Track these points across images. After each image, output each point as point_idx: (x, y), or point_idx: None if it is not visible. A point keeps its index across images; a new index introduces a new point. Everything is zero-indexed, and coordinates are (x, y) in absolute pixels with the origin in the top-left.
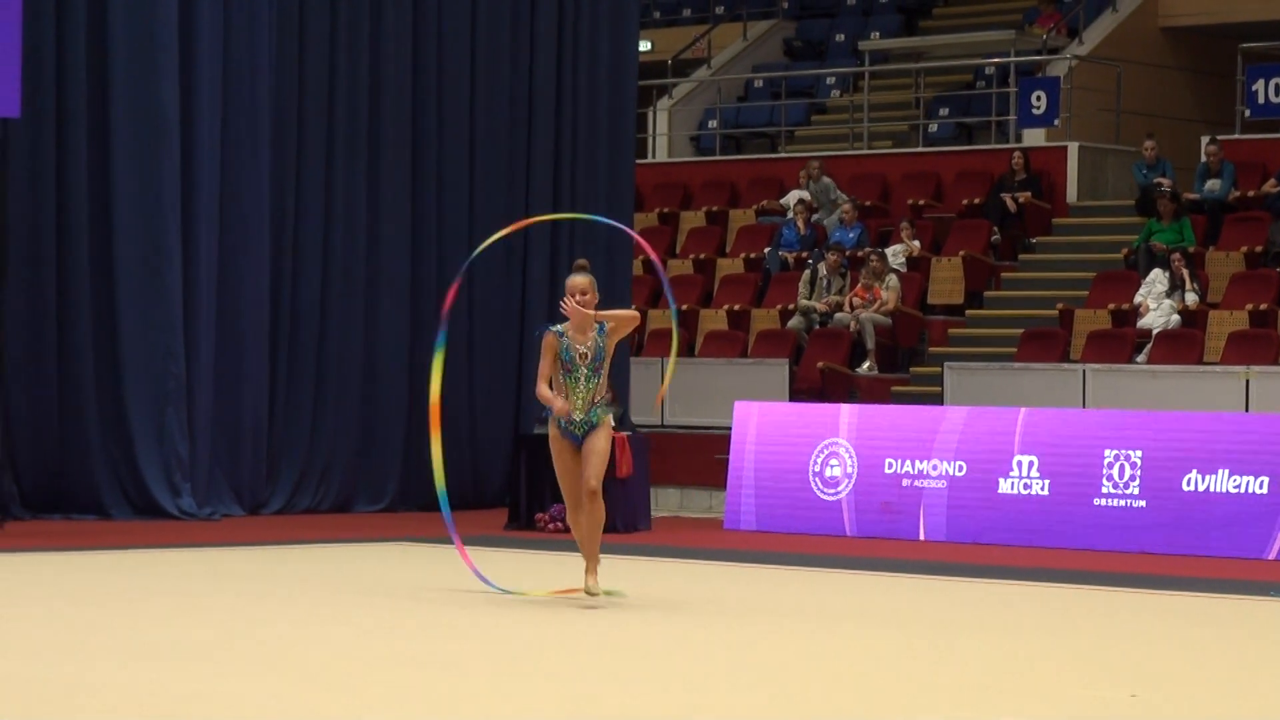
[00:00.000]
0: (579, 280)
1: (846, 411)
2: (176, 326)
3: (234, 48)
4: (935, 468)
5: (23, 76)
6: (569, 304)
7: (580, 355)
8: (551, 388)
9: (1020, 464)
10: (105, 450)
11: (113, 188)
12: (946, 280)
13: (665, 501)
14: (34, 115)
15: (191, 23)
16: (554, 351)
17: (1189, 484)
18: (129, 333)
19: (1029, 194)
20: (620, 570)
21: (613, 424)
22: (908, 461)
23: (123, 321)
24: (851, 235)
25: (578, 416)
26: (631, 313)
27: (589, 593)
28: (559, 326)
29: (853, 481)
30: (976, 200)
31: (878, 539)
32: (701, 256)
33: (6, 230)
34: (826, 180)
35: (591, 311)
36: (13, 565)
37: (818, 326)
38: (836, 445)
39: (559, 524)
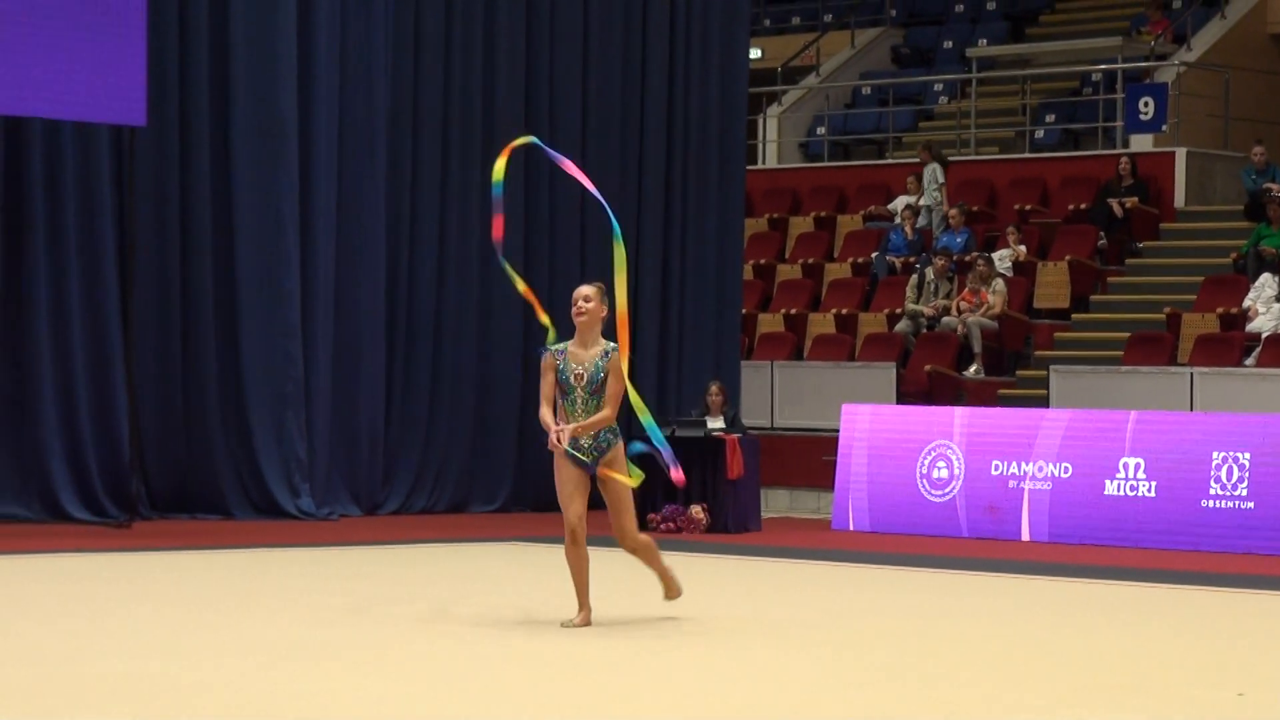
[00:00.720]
0: (580, 288)
1: (953, 414)
2: (295, 332)
3: (350, 59)
4: (1041, 469)
5: (147, 87)
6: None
7: (576, 376)
8: (555, 410)
9: (1127, 466)
10: (228, 452)
11: (233, 196)
12: (1052, 284)
13: (775, 502)
14: (158, 125)
15: (309, 34)
16: (553, 372)
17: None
18: (250, 339)
19: (1136, 199)
20: (731, 570)
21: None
22: (1013, 463)
23: (244, 328)
24: (958, 240)
25: (584, 441)
26: (616, 389)
27: (574, 622)
28: (559, 346)
29: (960, 483)
30: (1083, 206)
31: (983, 539)
32: (810, 261)
33: (134, 237)
34: (935, 166)
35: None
36: (141, 563)
37: (924, 330)
38: (944, 447)
39: (671, 524)
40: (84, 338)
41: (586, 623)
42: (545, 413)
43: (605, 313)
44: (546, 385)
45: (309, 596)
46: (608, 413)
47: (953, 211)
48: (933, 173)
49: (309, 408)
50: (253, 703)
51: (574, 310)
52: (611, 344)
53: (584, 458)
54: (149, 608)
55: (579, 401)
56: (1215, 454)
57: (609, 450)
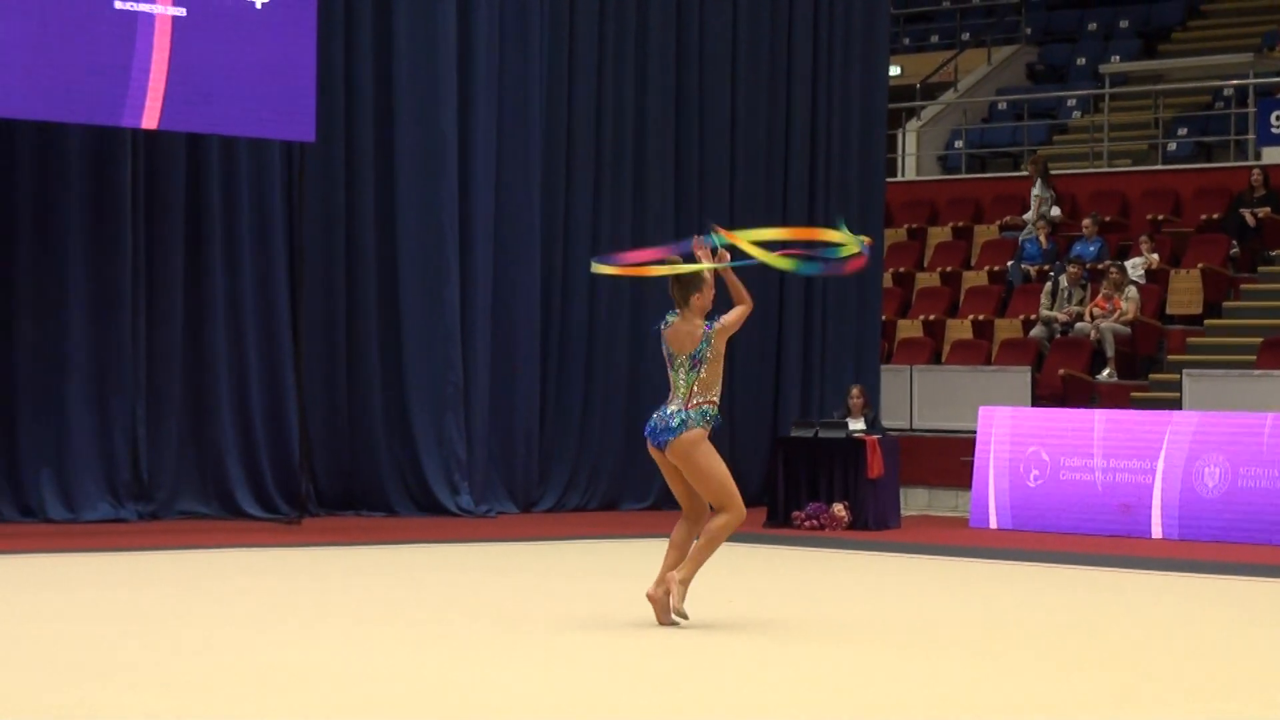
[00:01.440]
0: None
1: (1087, 415)
2: (455, 338)
3: (508, 76)
4: (1170, 469)
5: (316, 106)
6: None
7: (676, 346)
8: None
9: (1266, 465)
10: (391, 453)
11: (396, 209)
12: (1185, 291)
13: (914, 501)
14: (326, 140)
15: (469, 53)
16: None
17: None
18: (412, 344)
19: (1268, 209)
20: (873, 565)
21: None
22: (1145, 462)
23: (406, 333)
24: (1092, 249)
25: (669, 408)
26: (742, 307)
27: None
28: (668, 318)
29: (1094, 482)
30: (1215, 215)
31: (1116, 537)
32: (948, 270)
33: (303, 248)
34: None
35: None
36: (312, 558)
37: (1059, 336)
38: (1078, 447)
39: (814, 522)
40: (257, 344)
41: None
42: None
43: (714, 293)
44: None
45: (473, 592)
46: (744, 306)
47: (1086, 222)
48: (1045, 188)
49: (468, 409)
50: (423, 695)
51: (690, 298)
52: (709, 323)
53: (672, 423)
54: (322, 601)
55: (681, 372)
56: None
57: (678, 435)
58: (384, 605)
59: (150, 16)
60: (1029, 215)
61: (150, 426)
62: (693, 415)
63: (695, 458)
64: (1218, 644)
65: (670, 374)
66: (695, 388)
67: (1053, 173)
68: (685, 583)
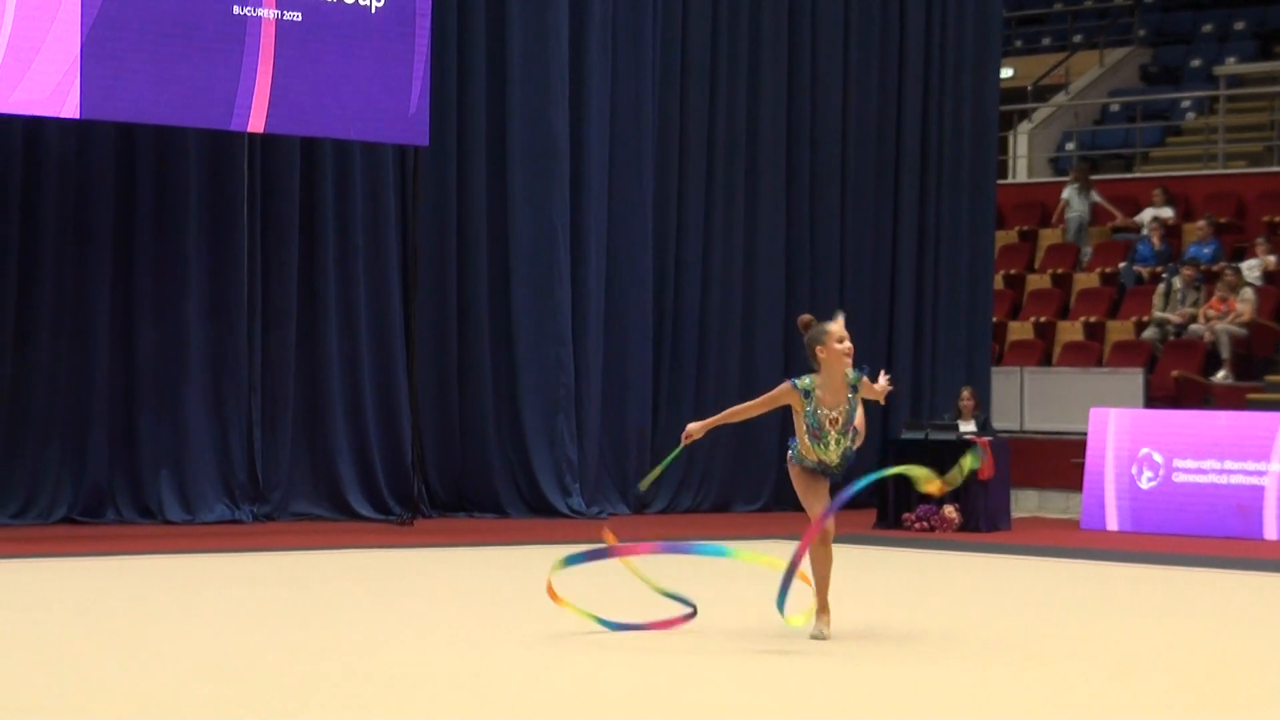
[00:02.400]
0: (840, 325)
1: (1200, 417)
2: (567, 340)
3: (621, 80)
4: (1276, 469)
5: (430, 111)
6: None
7: (830, 421)
8: (798, 436)
9: None
10: (502, 454)
11: (508, 212)
12: None
13: (1024, 503)
14: (440, 144)
15: (581, 58)
16: (785, 401)
17: None
18: (523, 346)
19: None
20: (983, 566)
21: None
22: (1259, 463)
23: (518, 336)
24: (1206, 251)
25: (834, 466)
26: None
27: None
28: (806, 381)
29: (1208, 483)
30: None
31: (1231, 539)
32: (1059, 271)
33: (416, 251)
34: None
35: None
36: (426, 559)
37: (1172, 338)
38: (1192, 449)
39: (925, 524)
40: (370, 348)
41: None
42: (735, 410)
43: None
44: (768, 398)
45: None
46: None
47: (1201, 223)
48: (1156, 211)
49: (579, 411)
50: (538, 695)
51: (841, 348)
52: (854, 373)
53: (834, 472)
54: (433, 600)
55: (832, 443)
56: None
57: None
58: (496, 604)
59: (266, 21)
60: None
61: (265, 429)
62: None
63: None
64: None
65: (815, 443)
66: (847, 444)
67: (1164, 175)
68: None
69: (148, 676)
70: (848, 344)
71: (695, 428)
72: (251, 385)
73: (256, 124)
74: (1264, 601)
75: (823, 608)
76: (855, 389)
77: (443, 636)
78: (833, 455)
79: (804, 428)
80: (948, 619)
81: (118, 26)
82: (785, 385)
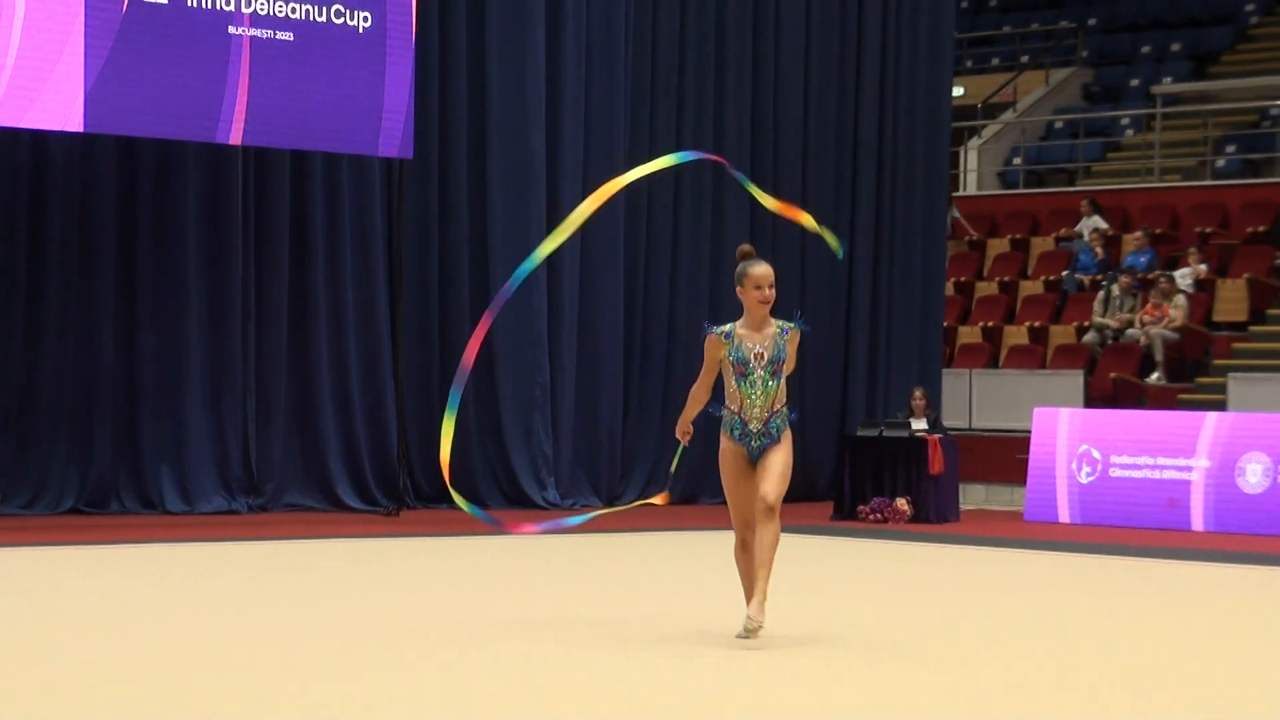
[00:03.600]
0: (764, 270)
1: (1135, 416)
2: (542, 342)
3: (594, 100)
4: (1214, 466)
5: (414, 125)
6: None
7: (755, 355)
8: (725, 396)
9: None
10: (482, 450)
11: (488, 221)
12: (1231, 300)
13: (972, 496)
14: (423, 159)
15: (558, 78)
16: (716, 355)
17: None
18: (502, 349)
19: None
20: (935, 556)
21: (792, 436)
22: (1183, 460)
23: (497, 338)
24: (1143, 260)
25: (754, 427)
26: (790, 367)
27: (749, 627)
28: (726, 326)
29: (1143, 478)
30: (1261, 228)
31: (1161, 530)
32: (1006, 279)
33: (401, 258)
34: (1095, 218)
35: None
36: (410, 547)
37: (1110, 341)
38: (1126, 446)
39: (878, 515)
40: (358, 349)
41: (759, 605)
42: (696, 393)
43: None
44: (708, 362)
45: (563, 579)
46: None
47: (1138, 234)
48: (1093, 223)
49: (554, 409)
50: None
51: (757, 295)
52: (785, 322)
53: (754, 444)
54: (418, 586)
55: (758, 382)
56: None
57: (780, 435)
58: (481, 591)
59: (258, 40)
60: (1080, 228)
61: (259, 425)
62: (784, 416)
63: (787, 449)
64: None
65: (740, 385)
66: (776, 396)
67: (1104, 188)
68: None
69: (148, 658)
70: (765, 292)
71: (685, 427)
72: (246, 385)
73: (246, 137)
74: (1193, 590)
75: (759, 594)
76: (785, 334)
77: (427, 618)
78: (758, 404)
79: (730, 372)
80: (907, 612)
81: (119, 45)
82: (708, 338)
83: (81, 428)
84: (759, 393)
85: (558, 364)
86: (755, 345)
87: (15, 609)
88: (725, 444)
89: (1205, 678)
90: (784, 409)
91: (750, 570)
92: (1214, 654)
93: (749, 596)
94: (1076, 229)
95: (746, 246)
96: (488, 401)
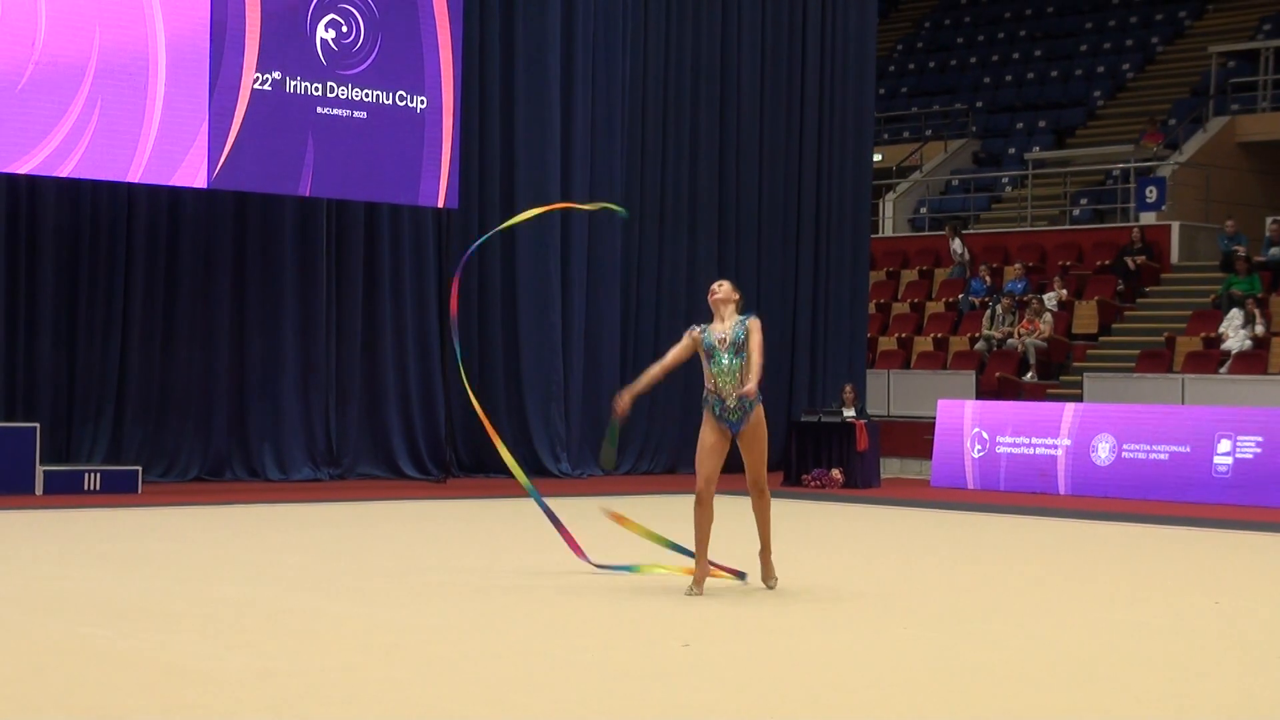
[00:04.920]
0: (715, 284)
1: (1014, 406)
2: (557, 351)
3: (598, 162)
4: (1067, 444)
5: (459, 181)
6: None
7: (720, 340)
8: (705, 381)
9: (1143, 442)
10: (510, 431)
11: (516, 256)
12: (1086, 317)
13: (890, 467)
14: (465, 208)
15: (570, 145)
16: (692, 345)
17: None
18: (526, 355)
19: (1144, 257)
20: (862, 514)
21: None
22: (1050, 439)
23: (522, 348)
24: (1019, 286)
25: (730, 403)
26: (757, 358)
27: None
28: (702, 325)
29: (1019, 454)
30: (1107, 262)
31: (1034, 494)
32: (915, 301)
33: (448, 287)
34: (957, 239)
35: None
36: (454, 508)
37: (995, 349)
38: (1008, 428)
39: (818, 483)
40: (414, 354)
41: (701, 581)
42: (651, 371)
43: (737, 296)
44: (676, 350)
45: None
46: (754, 369)
47: (1016, 266)
48: (959, 243)
49: (566, 401)
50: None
51: (712, 297)
52: (749, 315)
53: (731, 418)
54: (463, 535)
55: (724, 359)
56: (1219, 436)
57: (752, 413)
58: (516, 540)
59: (340, 118)
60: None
61: (338, 412)
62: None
63: (762, 431)
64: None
65: (713, 367)
66: (741, 373)
67: (989, 231)
68: (769, 551)
69: (251, 589)
70: (716, 295)
71: (623, 399)
72: (329, 382)
73: (328, 191)
74: (1060, 542)
75: (768, 554)
76: (744, 322)
77: (469, 561)
78: (726, 380)
79: (705, 358)
80: (841, 559)
81: (233, 122)
82: (692, 329)
83: (203, 414)
84: (726, 371)
85: (569, 368)
86: (719, 334)
87: (154, 551)
88: (706, 417)
89: (1067, 605)
90: (752, 394)
91: (704, 525)
92: (1071, 588)
93: (699, 548)
94: (951, 247)
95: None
96: (515, 395)
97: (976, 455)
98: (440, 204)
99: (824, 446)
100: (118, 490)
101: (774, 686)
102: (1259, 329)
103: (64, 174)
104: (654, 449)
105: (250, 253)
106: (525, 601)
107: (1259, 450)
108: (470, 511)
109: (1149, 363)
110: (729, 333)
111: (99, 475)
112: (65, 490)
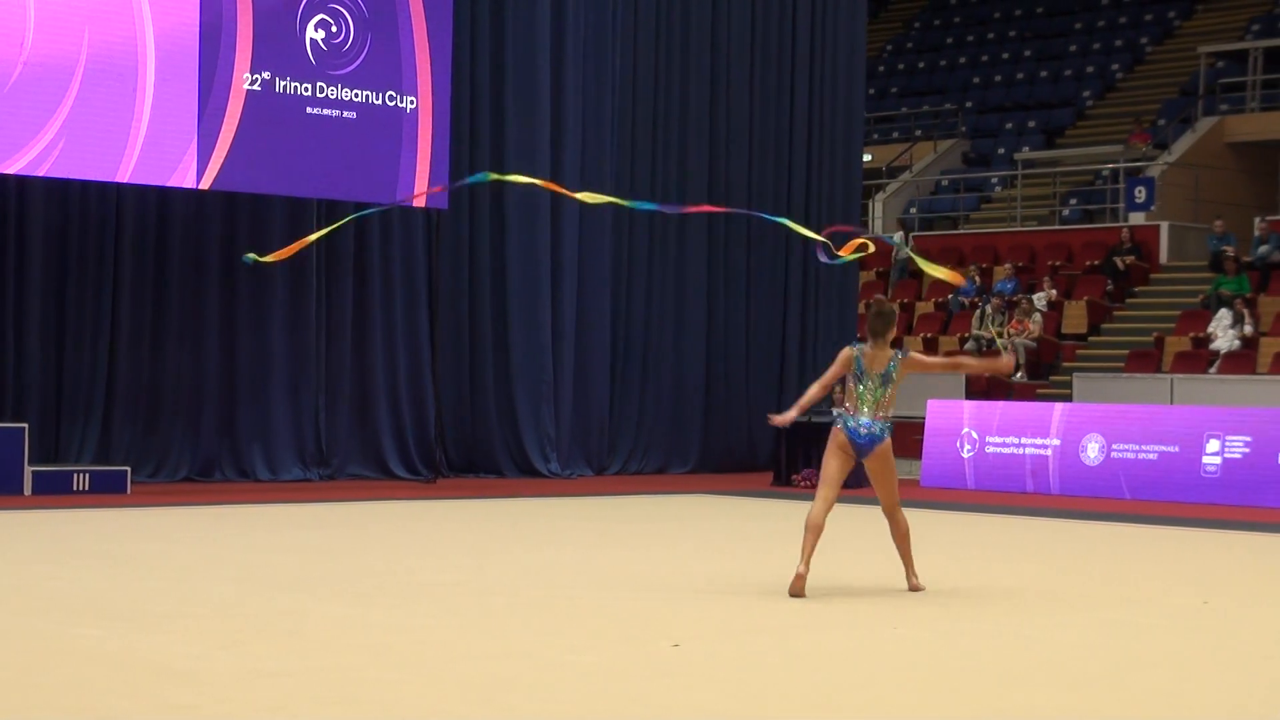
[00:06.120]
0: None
1: (1004, 405)
2: (547, 350)
3: (589, 161)
4: (1055, 443)
5: (449, 182)
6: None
7: (869, 365)
8: (845, 394)
9: (1132, 441)
10: (500, 431)
11: (506, 257)
12: (1075, 316)
13: None
14: (455, 207)
15: (560, 149)
16: (845, 364)
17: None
18: (516, 354)
19: (1133, 257)
20: (851, 514)
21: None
22: (1045, 439)
23: (512, 346)
24: (1009, 286)
25: (864, 419)
26: (929, 364)
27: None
28: (861, 345)
29: (1010, 454)
30: (1096, 262)
31: (1024, 493)
32: (905, 300)
33: (438, 285)
34: (901, 233)
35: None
36: (445, 508)
37: (985, 348)
38: (998, 427)
39: (808, 482)
40: (404, 354)
41: (913, 576)
42: (812, 390)
43: (895, 332)
44: (834, 367)
45: (568, 531)
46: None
47: (1006, 266)
48: (902, 237)
49: (556, 401)
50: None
51: (877, 321)
52: (901, 352)
53: (860, 434)
54: (452, 535)
55: (871, 387)
56: (1208, 436)
57: (881, 442)
58: (496, 539)
59: (329, 119)
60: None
61: (328, 412)
62: (887, 426)
63: (890, 462)
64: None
65: (857, 388)
66: (882, 402)
67: (979, 232)
68: (910, 563)
69: (240, 590)
70: (885, 315)
71: (787, 417)
72: (319, 382)
73: (320, 191)
74: (1049, 541)
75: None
76: (898, 357)
77: (458, 561)
78: (867, 403)
79: (852, 375)
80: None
81: (223, 123)
82: (846, 349)
83: (192, 414)
84: (869, 398)
85: (559, 368)
86: (874, 363)
87: (144, 552)
88: (837, 431)
89: (1056, 605)
90: (888, 420)
91: (812, 540)
92: (1060, 588)
93: (806, 552)
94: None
95: (881, 298)
96: (505, 395)
97: (966, 455)
98: (430, 205)
99: (814, 446)
100: (106, 490)
101: (764, 687)
102: (1247, 329)
103: (53, 174)
104: (644, 449)
105: (239, 253)
106: (515, 602)
107: (1247, 450)
108: (460, 512)
109: (1138, 363)
110: (882, 364)
111: (88, 475)
112: (54, 491)
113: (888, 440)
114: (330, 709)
